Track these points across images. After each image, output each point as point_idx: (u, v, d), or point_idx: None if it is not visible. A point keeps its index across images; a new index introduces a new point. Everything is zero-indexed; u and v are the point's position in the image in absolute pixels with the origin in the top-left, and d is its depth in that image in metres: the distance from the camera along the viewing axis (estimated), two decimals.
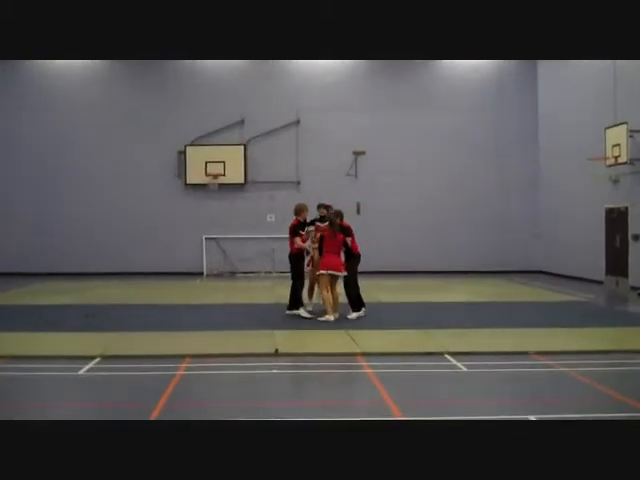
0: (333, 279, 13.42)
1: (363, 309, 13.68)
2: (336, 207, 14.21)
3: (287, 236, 14.10)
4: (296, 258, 13.82)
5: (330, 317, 13.14)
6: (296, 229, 13.70)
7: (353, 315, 13.47)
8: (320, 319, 13.21)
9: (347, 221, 14.01)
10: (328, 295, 13.25)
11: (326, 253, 13.36)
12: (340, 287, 13.77)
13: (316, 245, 13.68)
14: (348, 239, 13.63)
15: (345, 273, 13.47)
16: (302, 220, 13.80)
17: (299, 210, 13.90)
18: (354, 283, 13.71)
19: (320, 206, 14.10)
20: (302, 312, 13.60)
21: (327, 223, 13.55)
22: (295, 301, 13.80)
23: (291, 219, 14.11)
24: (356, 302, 13.65)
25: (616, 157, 18.87)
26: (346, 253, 13.71)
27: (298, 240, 13.61)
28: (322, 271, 13.26)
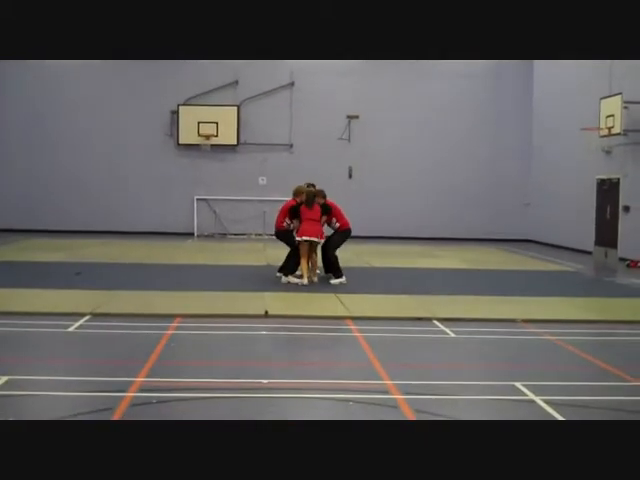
0: (312, 246, 13.47)
1: (344, 277, 13.70)
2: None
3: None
4: (284, 233, 13.91)
5: (304, 281, 13.18)
6: (292, 210, 13.72)
7: (335, 281, 13.53)
8: (292, 281, 13.30)
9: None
10: (304, 261, 13.32)
11: (305, 220, 13.40)
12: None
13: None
14: (333, 220, 13.74)
15: (322, 240, 13.54)
16: (299, 202, 13.81)
17: (298, 192, 13.89)
18: (333, 249, 13.75)
19: (308, 185, 14.23)
20: (291, 278, 13.61)
21: (304, 197, 13.63)
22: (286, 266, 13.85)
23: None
24: (337, 268, 13.68)
25: (610, 128, 18.86)
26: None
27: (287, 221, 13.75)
28: (299, 238, 13.32)
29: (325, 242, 13.81)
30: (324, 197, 13.80)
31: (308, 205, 13.41)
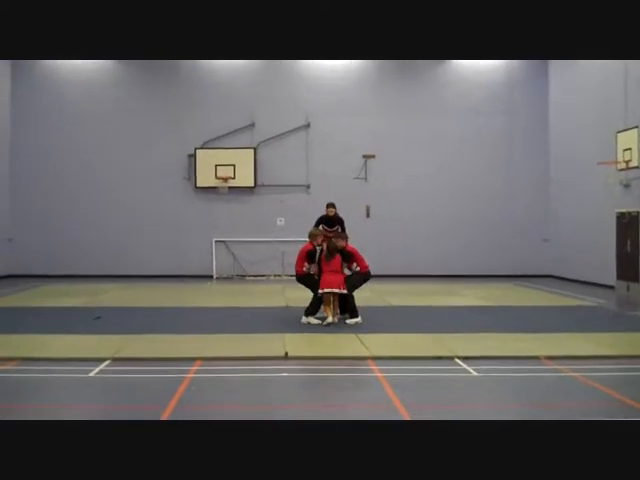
0: (334, 295, 13.55)
1: (360, 317, 13.64)
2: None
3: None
4: (305, 278, 13.93)
5: (329, 319, 13.25)
6: (309, 255, 13.82)
7: (351, 321, 13.49)
8: (312, 322, 13.37)
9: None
10: (328, 306, 13.45)
11: (325, 273, 13.51)
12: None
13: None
14: (354, 264, 13.80)
15: (345, 291, 13.51)
16: (315, 245, 13.87)
17: (314, 235, 13.98)
18: (351, 290, 13.73)
19: (329, 205, 14.55)
20: (311, 319, 13.59)
21: (325, 246, 13.73)
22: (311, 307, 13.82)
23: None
24: (352, 309, 13.65)
25: (627, 161, 18.81)
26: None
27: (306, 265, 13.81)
28: (321, 291, 13.41)
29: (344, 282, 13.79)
30: (346, 239, 13.89)
31: (327, 259, 13.57)
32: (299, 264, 13.93)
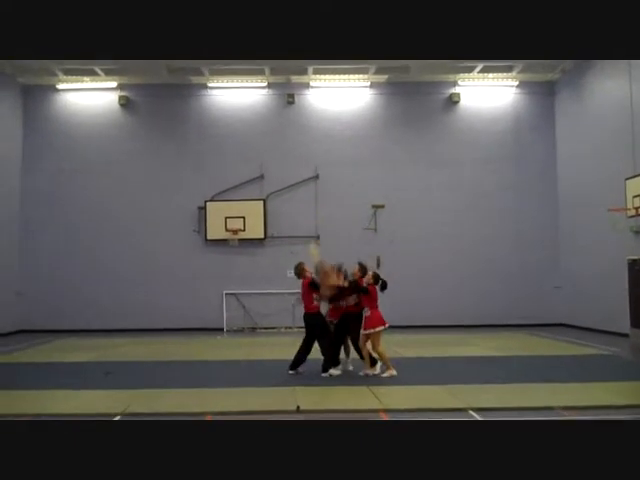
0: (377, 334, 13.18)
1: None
2: (356, 261, 13.97)
3: None
4: (316, 315, 13.55)
5: (393, 372, 13.04)
6: (312, 284, 13.41)
7: (369, 371, 13.36)
8: (334, 374, 13.20)
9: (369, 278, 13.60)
10: (383, 351, 13.12)
11: (373, 309, 13.13)
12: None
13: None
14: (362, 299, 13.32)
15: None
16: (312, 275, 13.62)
17: (302, 270, 13.78)
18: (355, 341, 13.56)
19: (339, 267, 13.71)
20: (332, 371, 13.31)
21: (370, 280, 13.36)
22: (331, 360, 13.39)
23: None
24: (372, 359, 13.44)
25: (637, 208, 18.79)
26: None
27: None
28: (378, 328, 13.00)
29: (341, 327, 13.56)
30: (363, 274, 13.43)
31: (382, 290, 13.26)
32: (308, 298, 13.43)
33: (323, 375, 13.27)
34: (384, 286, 13.39)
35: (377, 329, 13.04)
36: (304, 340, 13.69)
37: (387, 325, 13.11)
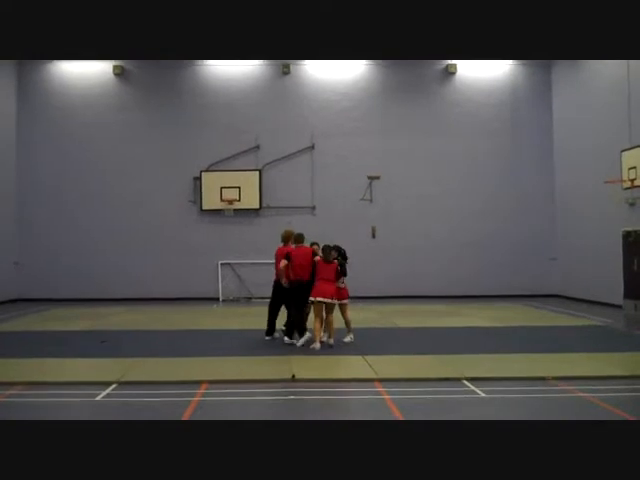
0: (328, 307, 13.14)
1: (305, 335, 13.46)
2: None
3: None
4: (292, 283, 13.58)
5: (316, 345, 12.91)
6: (287, 257, 13.54)
7: (347, 338, 13.58)
8: (298, 344, 13.26)
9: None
10: (317, 323, 13.01)
11: (319, 280, 13.06)
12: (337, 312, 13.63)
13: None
14: (342, 282, 13.41)
15: (337, 301, 13.20)
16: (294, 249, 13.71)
17: (288, 238, 14.05)
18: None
19: (312, 244, 14.11)
20: (300, 340, 13.38)
21: (321, 251, 13.38)
22: (298, 328, 13.55)
23: (306, 244, 14.01)
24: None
25: (632, 180, 18.80)
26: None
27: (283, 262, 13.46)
28: (312, 298, 12.97)
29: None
30: (337, 254, 13.40)
31: (328, 258, 13.08)
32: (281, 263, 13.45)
33: (286, 341, 13.49)
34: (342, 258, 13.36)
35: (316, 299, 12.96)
36: (271, 304, 14.12)
37: (318, 299, 12.89)
